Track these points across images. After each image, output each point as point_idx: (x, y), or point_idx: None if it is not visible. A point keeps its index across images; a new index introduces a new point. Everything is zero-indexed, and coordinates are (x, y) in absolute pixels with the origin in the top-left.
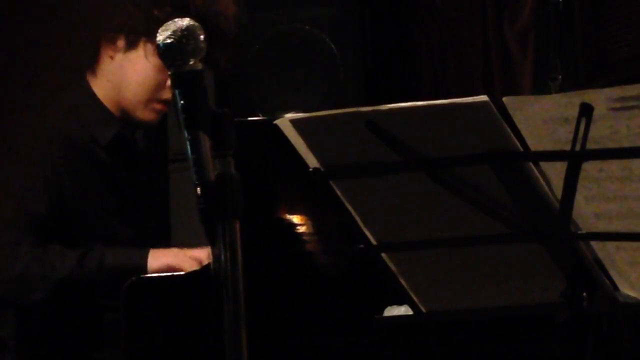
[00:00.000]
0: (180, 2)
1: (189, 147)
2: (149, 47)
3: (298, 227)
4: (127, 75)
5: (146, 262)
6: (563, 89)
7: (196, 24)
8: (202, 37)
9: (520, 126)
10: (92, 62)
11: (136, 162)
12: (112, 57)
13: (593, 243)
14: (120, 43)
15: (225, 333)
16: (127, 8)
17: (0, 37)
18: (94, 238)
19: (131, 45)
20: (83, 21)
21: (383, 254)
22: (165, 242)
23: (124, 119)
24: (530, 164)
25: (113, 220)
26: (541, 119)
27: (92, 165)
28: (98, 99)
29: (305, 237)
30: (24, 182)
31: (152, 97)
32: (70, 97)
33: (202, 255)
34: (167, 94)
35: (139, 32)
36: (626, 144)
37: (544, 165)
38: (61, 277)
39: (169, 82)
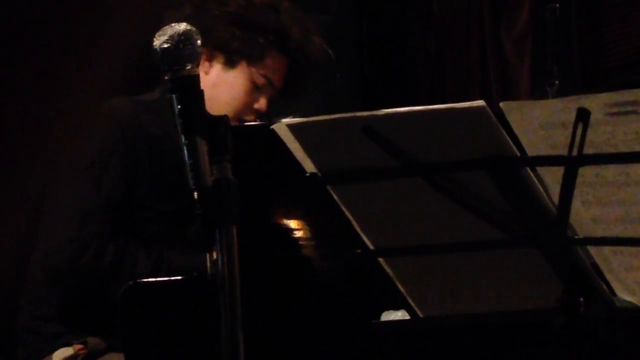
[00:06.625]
0: (282, 31)
1: (186, 152)
2: (247, 70)
3: (295, 232)
4: (219, 93)
5: None
6: (560, 94)
7: (193, 28)
8: (198, 42)
9: (517, 131)
10: None
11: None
12: (206, 73)
13: (590, 248)
14: (220, 60)
15: (222, 337)
16: (231, 29)
17: (61, 30)
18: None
19: (231, 65)
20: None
21: (380, 259)
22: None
23: None
24: (527, 169)
25: (157, 216)
26: (538, 124)
27: (161, 156)
28: None
29: (302, 242)
30: (98, 161)
31: (234, 117)
32: (145, 96)
33: None
34: (249, 115)
35: (242, 54)
36: (623, 148)
37: (540, 170)
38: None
39: (255, 105)
